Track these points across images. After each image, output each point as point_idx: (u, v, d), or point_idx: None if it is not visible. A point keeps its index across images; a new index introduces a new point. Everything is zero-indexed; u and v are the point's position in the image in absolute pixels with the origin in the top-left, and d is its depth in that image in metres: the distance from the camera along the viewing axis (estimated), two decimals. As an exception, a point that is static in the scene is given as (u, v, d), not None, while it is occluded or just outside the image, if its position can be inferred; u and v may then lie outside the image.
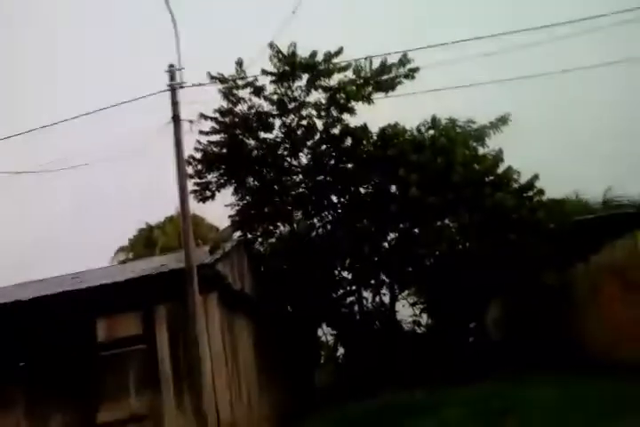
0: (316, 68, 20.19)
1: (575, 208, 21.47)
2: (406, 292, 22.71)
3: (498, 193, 19.21)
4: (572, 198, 23.72)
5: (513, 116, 20.76)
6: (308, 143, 21.58)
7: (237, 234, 21.00)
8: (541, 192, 20.40)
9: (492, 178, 20.23)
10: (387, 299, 21.72)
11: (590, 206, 23.16)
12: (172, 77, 12.81)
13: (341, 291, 21.58)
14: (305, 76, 20.37)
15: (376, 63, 20.23)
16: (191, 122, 15.48)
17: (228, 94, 20.68)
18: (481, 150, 20.79)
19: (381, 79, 20.47)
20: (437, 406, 12.37)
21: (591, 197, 24.19)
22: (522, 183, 20.40)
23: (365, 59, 19.92)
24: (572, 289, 18.92)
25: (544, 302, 19.35)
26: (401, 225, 20.87)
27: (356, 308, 21.68)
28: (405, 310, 22.77)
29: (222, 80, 20.18)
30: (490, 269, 18.55)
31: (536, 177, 20.36)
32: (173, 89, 12.84)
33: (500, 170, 20.41)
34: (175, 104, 12.75)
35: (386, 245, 21.28)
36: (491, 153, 20.57)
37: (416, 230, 20.56)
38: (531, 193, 20.30)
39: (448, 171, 19.20)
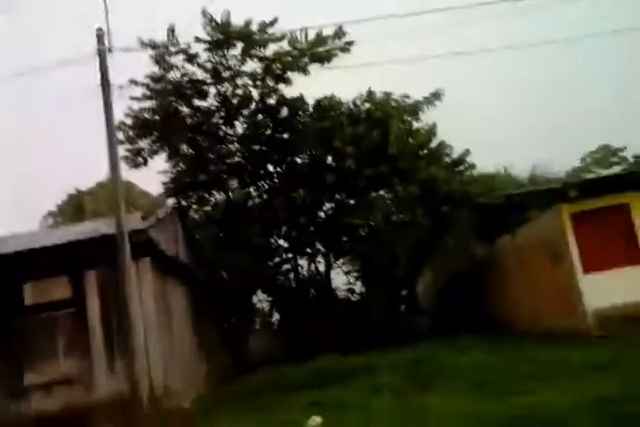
0: (250, 38, 19.84)
1: (504, 183, 22.27)
2: (341, 260, 23.11)
3: (431, 166, 19.67)
4: (502, 173, 24.55)
5: (449, 93, 21.22)
6: (244, 112, 21.30)
7: (171, 201, 20.66)
8: (472, 167, 21.12)
9: (425, 152, 20.70)
10: (322, 267, 22.07)
11: (518, 181, 24.05)
12: (101, 41, 12.26)
13: (277, 259, 21.65)
14: (240, 45, 19.99)
15: (312, 35, 20.11)
16: (121, 87, 14.97)
17: (159, 61, 20.07)
18: (415, 125, 21.13)
19: (317, 51, 20.31)
20: (369, 371, 12.60)
21: (519, 173, 25.17)
22: (454, 158, 21.02)
23: (301, 30, 19.80)
24: (500, 260, 19.69)
25: (473, 271, 20.05)
26: (337, 196, 21.04)
27: (292, 275, 21.88)
28: (340, 278, 23.20)
29: (154, 46, 19.58)
30: (422, 240, 19.05)
31: (468, 152, 21.00)
32: (101, 53, 12.30)
33: (434, 144, 20.92)
34: (103, 69, 12.21)
35: (322, 214, 21.47)
36: (424, 127, 20.97)
37: (352, 201, 20.77)
38: (462, 167, 20.99)
39: (383, 144, 19.44)
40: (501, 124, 35.33)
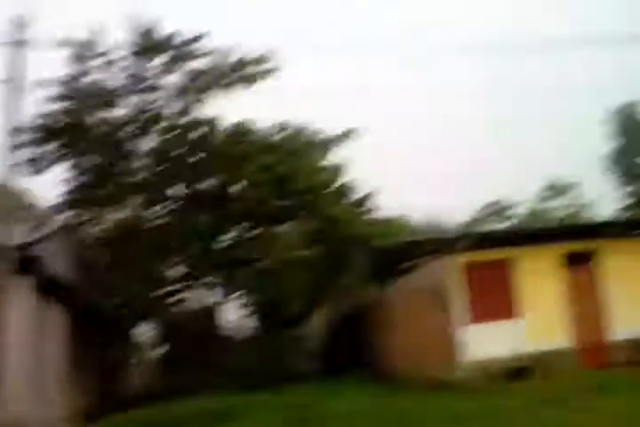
0: (174, 50, 19.56)
1: (402, 227, 22.92)
2: (236, 294, 22.64)
3: (335, 205, 20.00)
4: (401, 218, 25.26)
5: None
6: (157, 127, 20.74)
7: (67, 215, 19.65)
8: (374, 210, 21.67)
9: (331, 189, 21.02)
10: (215, 300, 21.69)
11: (416, 227, 24.84)
12: (16, 34, 11.72)
13: (169, 287, 20.97)
14: (163, 56, 19.64)
15: (239, 55, 19.96)
16: (29, 85, 14.13)
17: (76, 62, 19.30)
18: (325, 161, 21.42)
19: (240, 73, 20.23)
20: (246, 412, 12.43)
21: (416, 220, 26.01)
22: (358, 198, 21.49)
23: (227, 49, 19.69)
24: (391, 304, 20.08)
25: (365, 314, 20.29)
26: (240, 225, 20.82)
27: (182, 306, 21.31)
28: (232, 313, 22.79)
29: (73, 45, 18.78)
30: (318, 279, 19.20)
31: (371, 194, 21.54)
32: (13, 46, 11.74)
33: (340, 182, 21.29)
34: (13, 63, 11.65)
35: (222, 244, 21.12)
36: (333, 165, 21.30)
37: (254, 232, 20.64)
38: (364, 209, 21.49)
39: (292, 177, 19.58)
40: (410, 169, 36.48)
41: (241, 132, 20.45)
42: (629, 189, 27.86)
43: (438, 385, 14.81)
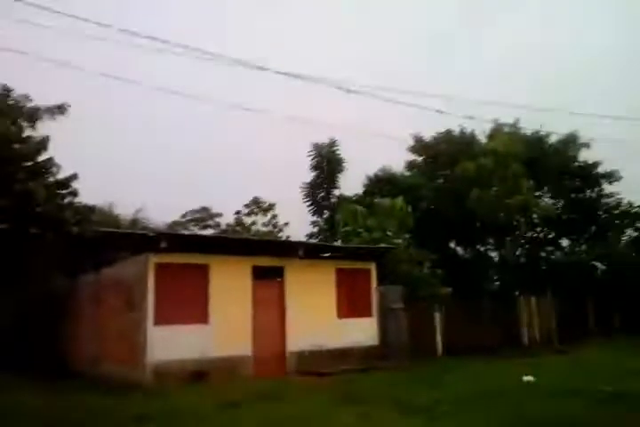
0: None
1: (105, 218, 21.61)
2: None
3: (31, 181, 17.88)
4: (105, 209, 23.90)
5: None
6: None
7: None
8: (74, 194, 19.88)
9: (29, 164, 18.79)
10: None
11: (119, 220, 23.66)
12: None
13: None
14: None
15: None
16: None
17: None
18: (29, 132, 19.17)
19: None
20: None
21: (123, 213, 24.84)
22: (60, 178, 19.54)
23: None
24: (80, 296, 18.71)
25: (49, 304, 18.56)
26: None
27: None
28: None
29: None
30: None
31: (75, 176, 19.77)
32: None
33: (42, 158, 19.18)
34: None
35: None
36: (38, 138, 19.17)
37: None
38: (65, 191, 19.62)
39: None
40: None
41: None
42: (316, 218, 29.95)
43: (120, 385, 14.10)
